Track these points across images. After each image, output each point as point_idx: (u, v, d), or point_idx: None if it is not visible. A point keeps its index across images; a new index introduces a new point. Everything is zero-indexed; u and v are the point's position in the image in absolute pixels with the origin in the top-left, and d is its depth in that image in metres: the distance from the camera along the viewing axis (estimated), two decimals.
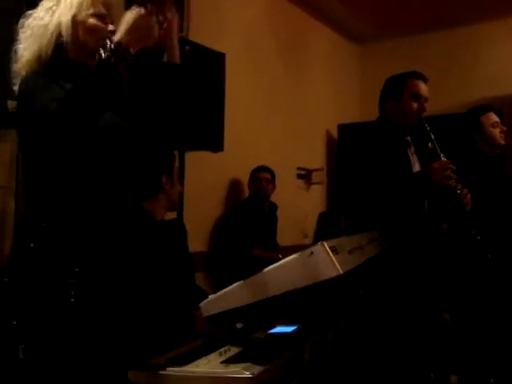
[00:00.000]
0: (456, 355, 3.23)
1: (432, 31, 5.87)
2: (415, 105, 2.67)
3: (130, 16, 1.56)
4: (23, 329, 1.43)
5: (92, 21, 1.63)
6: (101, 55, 1.51)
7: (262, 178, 4.32)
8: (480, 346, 3.12)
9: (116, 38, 1.52)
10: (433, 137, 2.62)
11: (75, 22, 1.61)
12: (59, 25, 1.60)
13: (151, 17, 1.57)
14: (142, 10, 1.56)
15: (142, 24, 1.55)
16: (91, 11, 1.63)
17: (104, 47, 1.51)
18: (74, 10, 1.61)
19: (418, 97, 2.68)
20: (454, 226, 2.84)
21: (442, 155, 2.58)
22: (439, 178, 2.48)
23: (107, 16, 1.68)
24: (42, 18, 1.61)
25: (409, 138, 2.78)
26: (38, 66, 1.59)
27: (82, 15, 1.62)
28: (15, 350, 1.79)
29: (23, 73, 1.61)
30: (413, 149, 2.78)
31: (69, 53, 1.63)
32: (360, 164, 2.62)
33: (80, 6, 1.62)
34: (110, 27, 1.66)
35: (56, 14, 1.61)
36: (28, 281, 1.43)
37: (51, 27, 1.60)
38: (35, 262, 1.43)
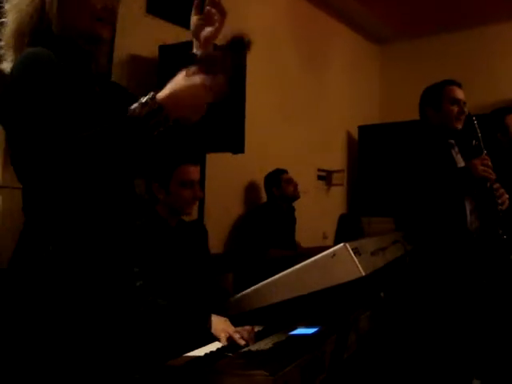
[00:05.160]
0: (479, 359, 3.19)
1: (453, 32, 5.82)
2: (455, 109, 2.77)
3: (184, 79, 1.19)
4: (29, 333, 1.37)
5: None
6: (134, 108, 1.17)
7: (292, 179, 4.31)
8: (504, 349, 3.08)
9: (158, 95, 1.18)
10: (479, 134, 2.67)
11: None
12: None
13: (207, 91, 1.20)
14: (203, 80, 1.19)
15: (196, 95, 1.19)
16: None
17: (139, 101, 1.18)
18: None
19: (456, 101, 2.79)
20: (484, 224, 2.84)
21: (484, 152, 2.62)
22: (479, 172, 2.53)
23: None
24: None
25: (452, 141, 2.85)
26: (21, 44, 1.30)
27: None
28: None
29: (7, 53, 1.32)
30: (457, 149, 2.84)
31: (54, 29, 1.32)
32: (406, 165, 2.71)
33: None
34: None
35: None
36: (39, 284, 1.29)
37: None
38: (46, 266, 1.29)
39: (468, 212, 2.71)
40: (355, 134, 5.88)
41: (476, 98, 5.35)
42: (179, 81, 1.19)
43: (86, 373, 1.31)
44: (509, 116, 3.27)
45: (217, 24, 1.35)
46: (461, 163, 2.82)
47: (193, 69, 1.20)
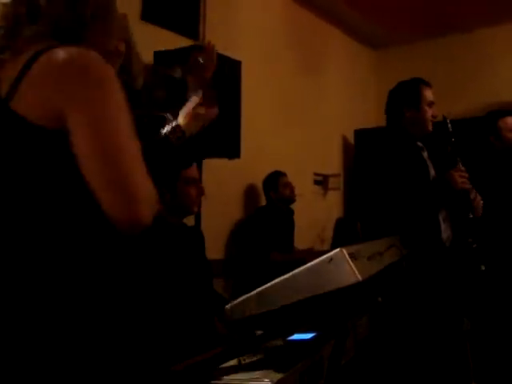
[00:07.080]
0: (477, 362, 3.19)
1: (447, 35, 5.84)
2: (430, 111, 2.76)
3: (194, 106, 1.70)
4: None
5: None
6: (163, 132, 1.65)
7: (289, 183, 4.33)
8: (501, 352, 3.08)
9: (179, 121, 1.68)
10: (453, 139, 2.65)
11: None
12: None
13: (212, 110, 1.75)
14: (204, 110, 1.72)
15: (202, 116, 1.72)
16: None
17: (167, 127, 1.65)
18: None
19: (431, 103, 2.78)
20: (456, 233, 2.82)
21: (458, 160, 2.60)
22: (458, 185, 2.53)
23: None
24: None
25: (420, 143, 2.80)
26: None
27: None
28: None
29: None
30: (426, 153, 2.80)
31: None
32: (378, 170, 2.66)
33: None
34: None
35: None
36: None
37: None
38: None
39: (441, 221, 2.68)
40: (351, 137, 5.89)
41: (470, 101, 5.38)
42: (190, 110, 1.70)
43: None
44: (502, 120, 3.28)
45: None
46: (431, 169, 2.79)
47: (198, 101, 1.72)
